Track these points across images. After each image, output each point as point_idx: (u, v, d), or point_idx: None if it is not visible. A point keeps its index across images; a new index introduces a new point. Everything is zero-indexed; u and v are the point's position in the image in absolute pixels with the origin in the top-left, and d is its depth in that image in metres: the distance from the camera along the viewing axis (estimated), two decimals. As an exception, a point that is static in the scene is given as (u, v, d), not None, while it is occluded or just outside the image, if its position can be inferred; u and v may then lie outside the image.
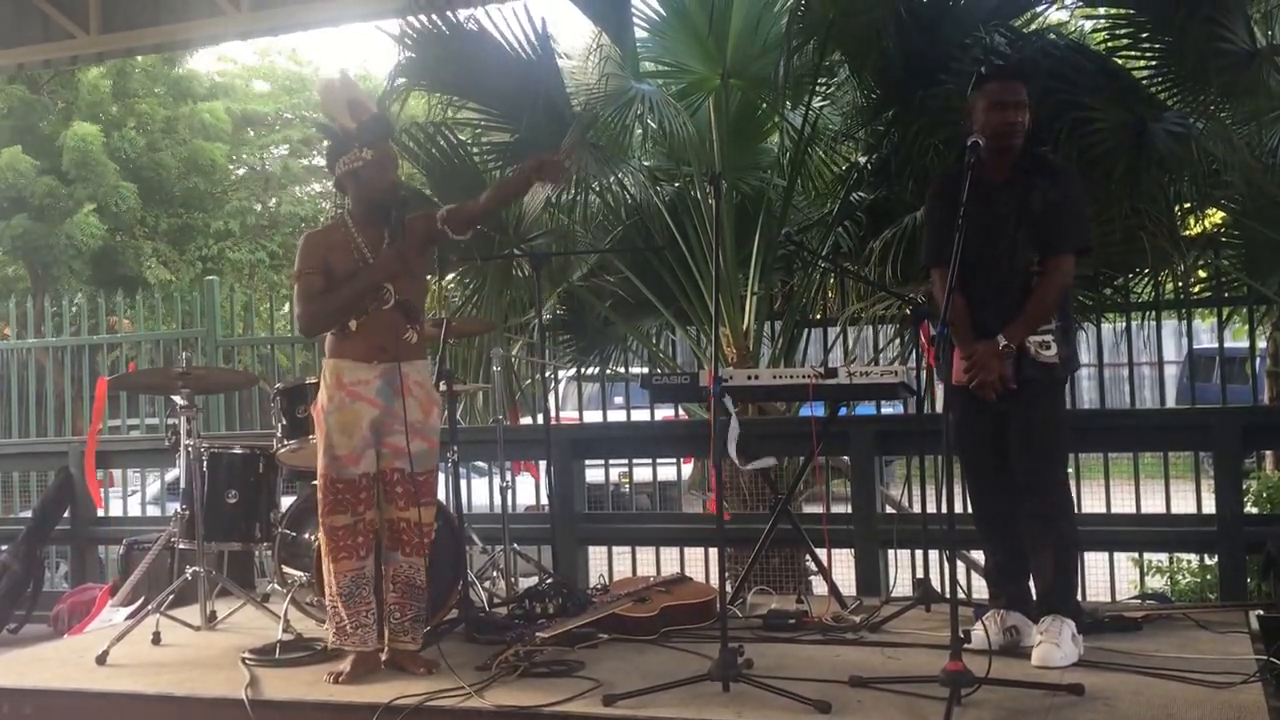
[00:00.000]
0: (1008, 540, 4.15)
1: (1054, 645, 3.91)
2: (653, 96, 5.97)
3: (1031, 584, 4.12)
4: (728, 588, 4.66)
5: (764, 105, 6.54)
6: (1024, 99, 4.05)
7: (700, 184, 6.16)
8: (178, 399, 5.22)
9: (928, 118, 5.58)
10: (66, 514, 7.02)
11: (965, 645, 3.65)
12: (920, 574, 5.25)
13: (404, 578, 4.21)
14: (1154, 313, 6.00)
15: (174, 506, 7.77)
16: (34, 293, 11.00)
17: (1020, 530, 4.11)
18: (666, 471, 7.45)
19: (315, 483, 5.19)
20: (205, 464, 5.07)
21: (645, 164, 6.52)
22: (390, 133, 4.37)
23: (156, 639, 4.84)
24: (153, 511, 7.87)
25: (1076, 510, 4.56)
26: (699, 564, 6.05)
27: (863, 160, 6.43)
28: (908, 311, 5.16)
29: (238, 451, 5.19)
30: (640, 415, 6.82)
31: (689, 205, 6.26)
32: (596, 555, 6.40)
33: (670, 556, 6.24)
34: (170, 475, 8.23)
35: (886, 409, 6.51)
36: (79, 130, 14.99)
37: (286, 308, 9.90)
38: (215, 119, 16.70)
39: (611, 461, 6.64)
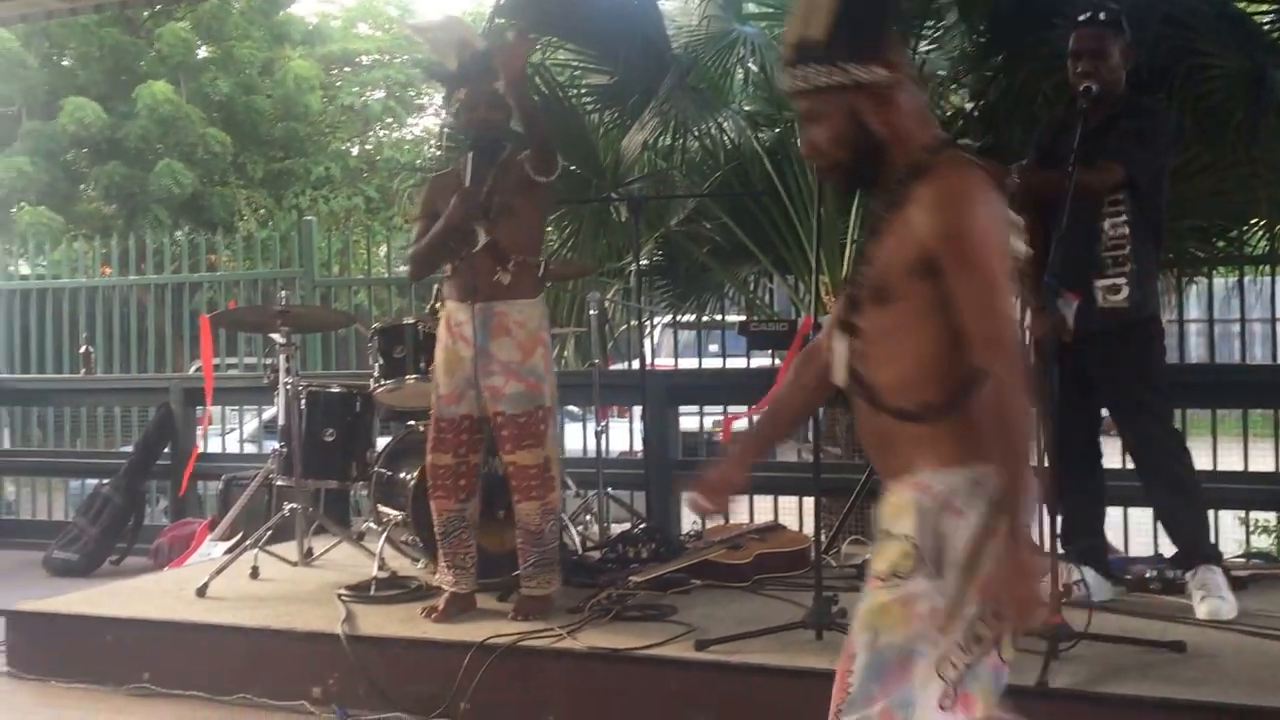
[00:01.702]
0: (1078, 494, 4.02)
1: (1219, 599, 3.82)
2: (755, 39, 5.85)
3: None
4: (822, 537, 4.62)
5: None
6: (1104, 48, 3.92)
7: (801, 129, 6.02)
8: (277, 337, 5.26)
9: (1038, 63, 5.38)
10: (167, 449, 7.13)
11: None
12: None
13: (521, 523, 4.15)
14: (1269, 266, 5.78)
15: (271, 444, 7.92)
16: (128, 233, 11.17)
17: (1093, 486, 4.03)
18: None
19: (410, 423, 5.28)
20: (304, 402, 5.11)
21: (745, 108, 6.40)
22: (487, 72, 4.29)
23: (255, 573, 4.93)
24: (250, 449, 8.00)
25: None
26: (792, 513, 5.99)
27: (969, 106, 6.24)
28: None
29: (335, 390, 5.23)
30: (736, 363, 6.75)
31: (789, 151, 6.13)
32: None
33: (764, 505, 6.18)
34: (268, 413, 8.37)
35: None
36: (153, 89, 15.10)
37: (384, 250, 9.97)
38: (301, 78, 16.73)
39: (706, 409, 6.58)
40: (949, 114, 6.44)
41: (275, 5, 16.89)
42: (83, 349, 7.79)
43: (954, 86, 6.46)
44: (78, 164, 15.70)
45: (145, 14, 15.13)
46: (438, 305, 4.93)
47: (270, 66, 16.70)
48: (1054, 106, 5.08)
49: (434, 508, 4.23)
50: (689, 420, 6.63)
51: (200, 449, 7.24)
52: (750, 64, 5.91)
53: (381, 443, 5.34)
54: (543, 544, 4.13)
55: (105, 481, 6.92)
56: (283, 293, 5.47)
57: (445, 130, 7.04)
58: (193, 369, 8.60)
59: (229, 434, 8.29)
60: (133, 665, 4.30)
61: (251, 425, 8.60)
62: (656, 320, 7.67)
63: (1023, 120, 5.50)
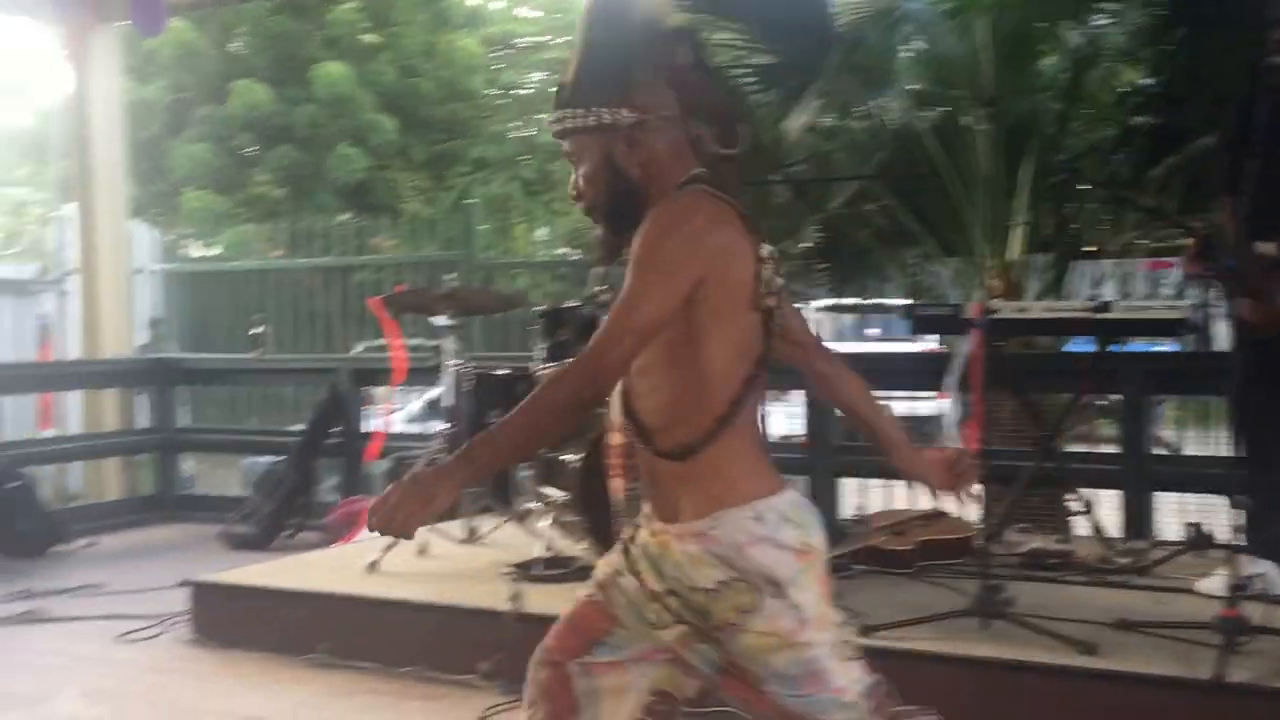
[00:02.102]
0: (1268, 487, 3.83)
1: None
2: (922, 16, 5.71)
3: None
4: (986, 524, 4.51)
5: (1043, 24, 6.17)
6: None
7: (969, 108, 5.87)
8: (442, 319, 5.35)
9: (1222, 38, 5.15)
10: (337, 428, 7.34)
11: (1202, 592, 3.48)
12: (1190, 519, 4.97)
13: None
14: None
15: (433, 424, 8.09)
16: (298, 213, 11.54)
17: None
18: (925, 405, 7.25)
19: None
20: (470, 384, 5.19)
21: (911, 86, 6.26)
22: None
23: (423, 550, 5.04)
24: (413, 429, 8.19)
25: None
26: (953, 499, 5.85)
27: (1147, 82, 6.01)
28: (1190, 242, 4.82)
29: (500, 373, 5.30)
30: (898, 347, 6.63)
31: (956, 130, 5.98)
32: (849, 487, 6.28)
33: (926, 491, 6.05)
34: (430, 394, 8.56)
35: (1160, 346, 6.13)
36: (328, 70, 15.51)
37: (541, 233, 10.10)
38: (468, 54, 17.00)
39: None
40: (1125, 91, 6.23)
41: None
42: (256, 330, 8.07)
43: (1130, 62, 6.22)
44: (247, 148, 16.21)
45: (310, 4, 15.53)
46: (602, 289, 4.96)
47: (433, 49, 16.96)
48: (1240, 83, 4.86)
49: (613, 487, 4.26)
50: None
51: (368, 429, 7.39)
52: (917, 41, 5.77)
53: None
54: None
55: (279, 459, 7.16)
56: (451, 276, 5.56)
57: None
58: (357, 349, 8.84)
59: (396, 413, 8.51)
60: (309, 636, 4.44)
61: (415, 405, 8.81)
62: (815, 303, 7.58)
63: (1204, 98, 5.28)
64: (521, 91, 19.06)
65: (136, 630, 4.86)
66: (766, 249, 2.04)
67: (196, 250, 14.03)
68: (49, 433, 9.01)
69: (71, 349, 9.25)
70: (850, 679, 2.05)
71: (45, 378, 8.30)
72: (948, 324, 4.92)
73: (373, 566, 4.76)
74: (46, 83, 15.29)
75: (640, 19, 2.12)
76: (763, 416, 2.13)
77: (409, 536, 1.93)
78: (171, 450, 7.91)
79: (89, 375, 7.74)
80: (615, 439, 4.22)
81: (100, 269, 7.71)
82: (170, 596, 5.18)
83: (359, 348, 8.83)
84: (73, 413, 9.18)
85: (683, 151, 2.07)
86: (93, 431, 7.98)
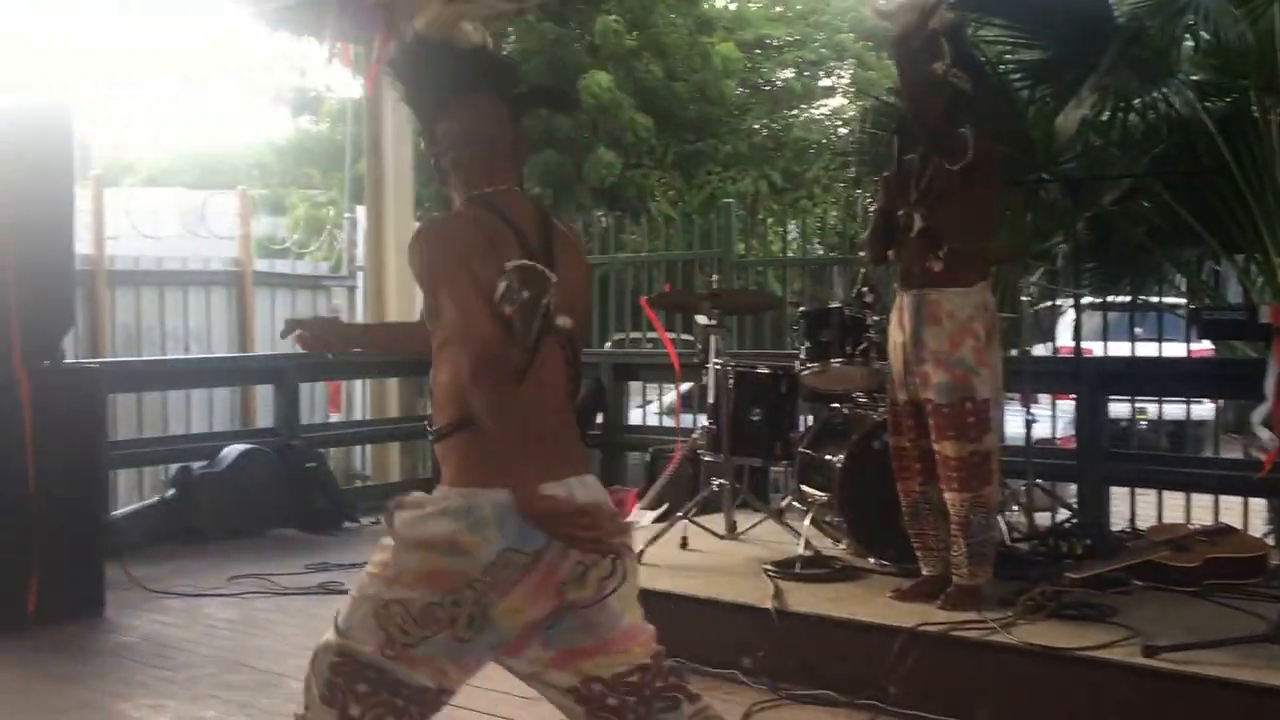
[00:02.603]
0: None
1: None
2: (1207, 4, 5.45)
3: None
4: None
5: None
6: None
7: (1260, 99, 5.57)
8: (703, 319, 5.48)
9: None
10: (599, 419, 7.60)
11: None
12: None
13: (949, 512, 4.12)
14: None
15: (687, 419, 8.25)
16: (556, 212, 11.91)
17: None
18: (1197, 411, 6.94)
19: (834, 405, 5.37)
20: (731, 382, 5.30)
21: (1194, 78, 5.99)
22: (924, 53, 4.22)
23: (684, 543, 5.18)
24: (667, 423, 8.39)
25: None
26: (1235, 516, 5.59)
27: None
28: None
29: (762, 371, 5.39)
30: (1173, 350, 6.35)
31: (1244, 123, 5.69)
32: (1118, 496, 6.08)
33: (1202, 504, 5.81)
34: (684, 388, 8.73)
35: None
36: (595, 80, 15.94)
37: (791, 231, 10.13)
38: (726, 58, 17.15)
39: (1137, 398, 6.26)
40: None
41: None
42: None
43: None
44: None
45: (578, 7, 16.02)
46: (864, 290, 4.99)
47: (689, 52, 17.21)
48: None
49: (900, 490, 4.30)
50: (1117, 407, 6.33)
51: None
52: (1201, 31, 5.52)
53: (801, 424, 5.47)
54: (970, 535, 4.07)
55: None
56: (713, 276, 5.69)
57: (872, 111, 7.07)
58: (608, 344, 9.10)
59: (647, 406, 8.73)
60: (577, 622, 4.64)
61: (669, 399, 9.00)
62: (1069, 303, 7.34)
63: None
64: (771, 89, 19.10)
65: (421, 606, 5.19)
66: (517, 264, 2.22)
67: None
68: (336, 417, 9.68)
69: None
70: (362, 627, 2.24)
71: (337, 367, 8.94)
72: (1240, 330, 4.67)
73: (638, 557, 4.92)
74: (339, 93, 16.43)
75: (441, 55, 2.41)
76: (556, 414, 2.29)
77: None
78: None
79: (375, 365, 8.28)
80: (898, 442, 4.26)
81: (387, 266, 8.23)
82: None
83: (608, 342, 9.12)
84: (358, 399, 9.86)
85: (472, 170, 2.36)
86: (378, 417, 8.54)
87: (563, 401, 2.34)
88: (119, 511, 6.65)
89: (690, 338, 9.34)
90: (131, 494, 8.05)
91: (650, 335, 9.23)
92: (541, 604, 2.26)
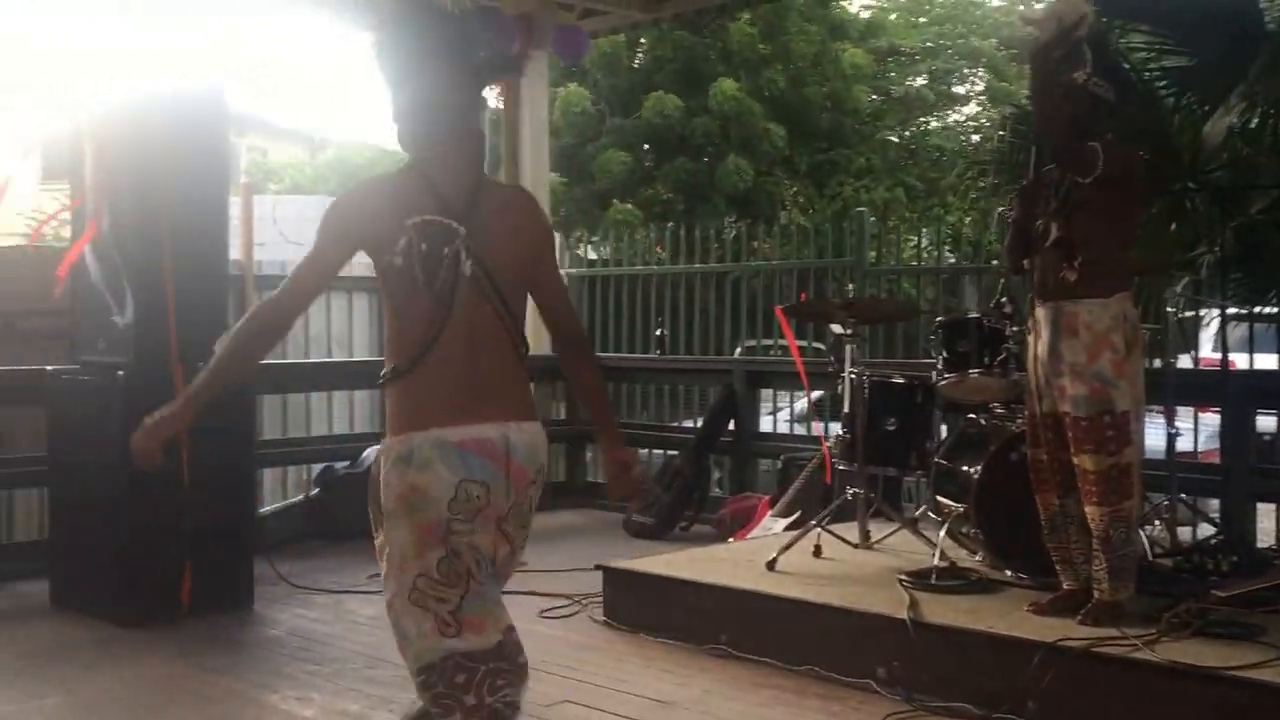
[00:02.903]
0: None
1: None
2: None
3: None
4: None
5: None
6: None
7: None
8: (837, 327, 5.48)
9: None
10: (730, 426, 7.63)
11: None
12: None
13: (1089, 526, 4.07)
14: None
15: (818, 426, 8.23)
16: (686, 219, 12.00)
17: None
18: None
19: (970, 416, 5.32)
20: (866, 391, 5.29)
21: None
22: (1065, 61, 4.16)
23: (817, 552, 5.18)
24: (798, 430, 8.39)
25: None
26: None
27: None
28: None
29: (898, 381, 5.37)
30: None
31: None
32: (1264, 513, 5.90)
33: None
34: (814, 396, 8.72)
35: None
36: (722, 87, 16.00)
37: (920, 240, 10.03)
38: (855, 65, 17.08)
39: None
40: None
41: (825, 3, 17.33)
42: (658, 332, 8.52)
43: None
44: (648, 159, 17.05)
45: (713, 16, 16.10)
46: (1002, 300, 4.94)
47: (821, 60, 17.18)
48: None
49: (1039, 502, 4.26)
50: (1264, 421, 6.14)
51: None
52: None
53: (936, 434, 5.43)
54: (1111, 549, 4.00)
55: (675, 453, 7.53)
56: (849, 286, 5.68)
57: (1011, 120, 6.98)
58: (737, 351, 9.12)
59: (778, 413, 8.74)
60: (711, 627, 4.68)
61: (799, 406, 8.99)
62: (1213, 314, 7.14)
63: None
64: (903, 97, 18.93)
65: (556, 608, 5.30)
66: (422, 219, 2.42)
67: (583, 253, 14.91)
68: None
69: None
70: (422, 634, 2.43)
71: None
72: None
73: (772, 564, 4.95)
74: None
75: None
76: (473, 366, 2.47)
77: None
78: (581, 441, 8.50)
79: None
80: (1036, 455, 4.21)
81: (521, 271, 8.39)
82: (582, 578, 5.62)
83: (737, 349, 9.14)
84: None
85: (417, 139, 2.56)
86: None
87: (500, 352, 2.51)
88: (266, 509, 6.89)
89: (820, 346, 9.34)
90: (275, 492, 8.32)
91: (781, 342, 9.24)
92: (493, 537, 2.48)
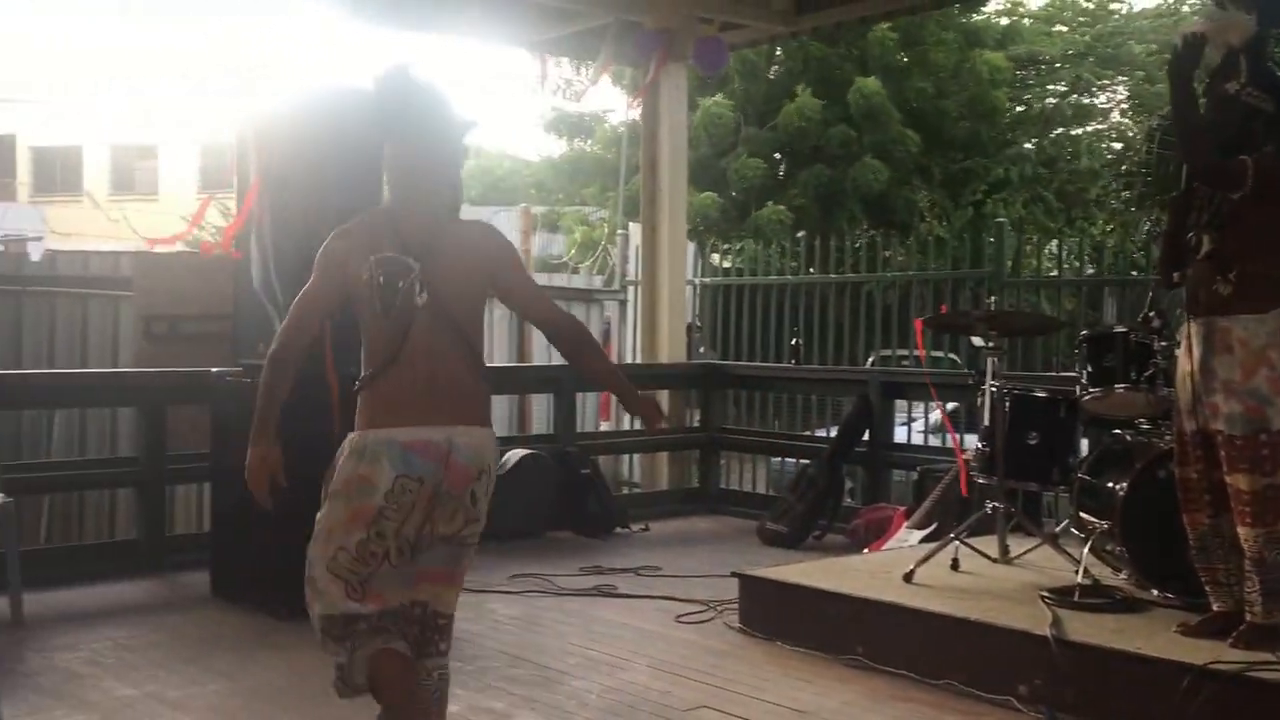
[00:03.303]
0: None
1: None
2: None
3: None
4: None
5: None
6: None
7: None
8: (978, 340, 5.44)
9: None
10: (864, 436, 7.60)
11: None
12: None
13: (1241, 546, 3.98)
14: None
15: (952, 438, 8.13)
16: (823, 230, 11.99)
17: None
18: None
19: (1116, 431, 5.23)
20: (1008, 404, 5.24)
21: None
22: (1220, 73, 4.09)
23: (955, 565, 5.15)
24: (932, 441, 8.32)
25: None
26: None
27: None
28: None
29: (1040, 395, 5.31)
30: None
31: None
32: None
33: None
34: (949, 407, 8.62)
35: None
36: (863, 85, 15.92)
37: (1054, 248, 9.83)
38: (994, 69, 16.82)
39: None
40: None
41: (964, 13, 17.09)
42: (794, 341, 8.54)
43: None
44: (782, 166, 17.05)
45: (851, 28, 16.06)
46: (1150, 314, 4.86)
47: (959, 69, 16.98)
48: None
49: (1186, 522, 4.19)
50: None
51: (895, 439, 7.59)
52: None
53: (1082, 449, 5.35)
54: (1266, 571, 3.90)
55: (809, 462, 7.54)
56: (990, 298, 5.63)
57: (1159, 130, 6.84)
58: (869, 361, 9.08)
59: (912, 424, 8.67)
60: (847, 637, 4.69)
61: (934, 418, 8.90)
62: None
63: None
64: (1042, 106, 18.58)
65: (692, 613, 5.36)
66: (382, 256, 2.93)
67: (715, 261, 14.99)
68: (605, 425, 10.02)
69: (627, 352, 10.22)
70: (330, 593, 2.96)
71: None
72: None
73: (909, 577, 4.94)
74: (615, 116, 17.01)
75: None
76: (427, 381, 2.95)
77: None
78: (714, 448, 8.56)
79: (647, 376, 8.53)
80: (1185, 474, 4.13)
81: (659, 281, 8.50)
82: (718, 584, 5.68)
83: (869, 359, 9.10)
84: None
85: (395, 190, 3.10)
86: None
87: (455, 368, 2.99)
88: (410, 509, 7.09)
89: (956, 358, 9.24)
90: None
91: (915, 353, 9.17)
92: (419, 523, 2.95)
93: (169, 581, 5.96)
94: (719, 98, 16.40)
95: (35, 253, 10.04)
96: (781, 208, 15.91)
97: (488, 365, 3.20)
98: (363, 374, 3.01)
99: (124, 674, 4.48)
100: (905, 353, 9.25)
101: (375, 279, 2.92)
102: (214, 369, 5.75)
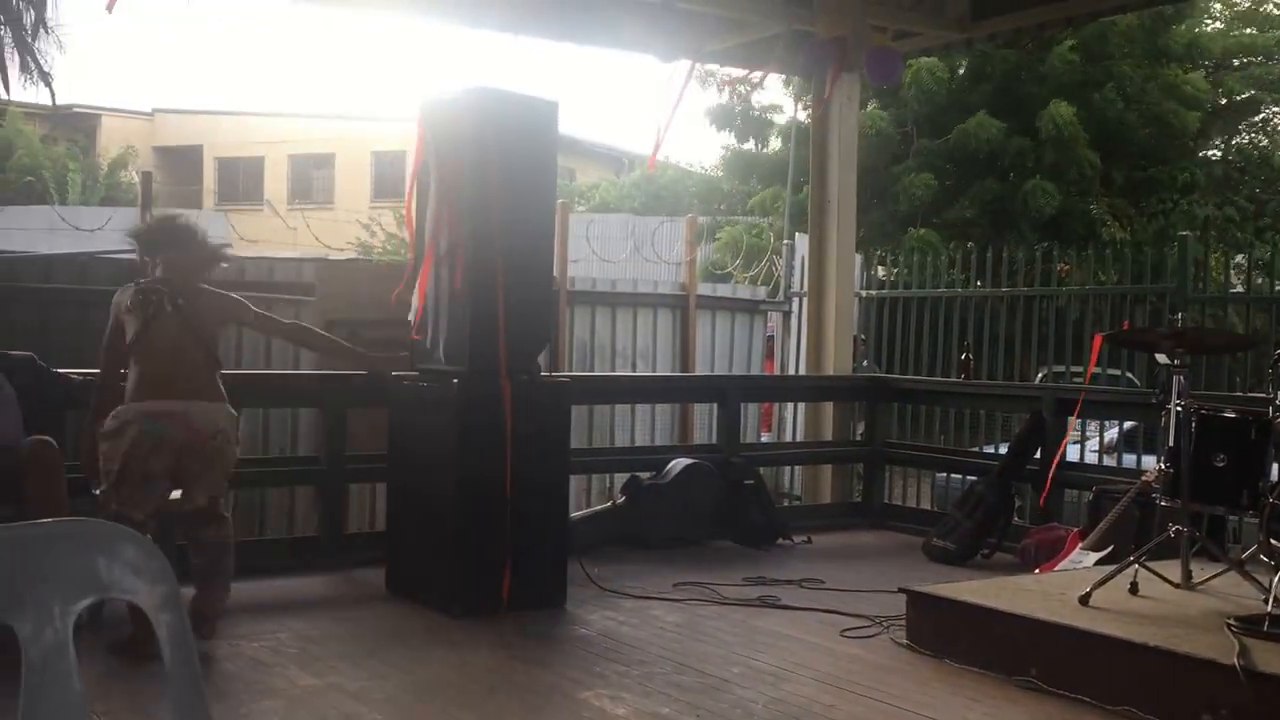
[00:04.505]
0: None
1: None
2: None
3: None
4: None
5: None
6: None
7: None
8: (1163, 358, 5.24)
9: None
10: (1037, 454, 7.41)
11: None
12: None
13: None
14: None
15: (1129, 458, 7.88)
16: (990, 242, 11.72)
17: None
18: None
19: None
20: (1194, 425, 5.04)
21: None
22: None
23: (1134, 589, 4.96)
24: (1107, 461, 8.05)
25: None
26: None
27: None
28: None
29: (1229, 415, 5.09)
30: None
31: None
32: None
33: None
34: (1126, 426, 8.34)
35: None
36: (1056, 111, 15.37)
37: (1240, 260, 9.41)
38: (1195, 90, 16.15)
39: None
40: None
41: (1162, 22, 16.47)
42: (964, 356, 8.38)
43: None
44: (951, 178, 16.71)
45: (1031, 35, 15.65)
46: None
47: (1148, 87, 16.35)
48: None
49: None
50: None
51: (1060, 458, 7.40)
52: None
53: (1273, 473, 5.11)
54: None
55: (979, 479, 7.38)
56: (1178, 315, 5.43)
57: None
58: (1039, 377, 8.83)
59: (1086, 443, 8.41)
60: (1019, 659, 4.57)
61: (1109, 435, 8.63)
62: None
63: None
64: (1230, 106, 17.78)
65: (857, 628, 5.31)
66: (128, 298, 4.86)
67: (878, 273, 14.78)
68: (766, 437, 10.00)
69: (790, 363, 10.20)
70: (108, 494, 4.73)
71: (777, 389, 9.27)
72: None
73: (1085, 599, 4.80)
74: (783, 124, 16.94)
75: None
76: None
77: None
78: (879, 462, 8.46)
79: (813, 388, 8.50)
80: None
81: (827, 293, 8.45)
82: (882, 599, 5.61)
83: (1038, 375, 8.85)
84: (788, 420, 10.12)
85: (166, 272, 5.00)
86: (812, 440, 8.76)
87: (195, 361, 4.83)
88: (576, 514, 7.20)
89: (1133, 377, 8.93)
90: (577, 499, 8.67)
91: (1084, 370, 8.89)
92: (167, 462, 4.73)
93: (346, 577, 6.17)
94: (872, 107, 16.16)
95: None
96: (923, 231, 15.57)
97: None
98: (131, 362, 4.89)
99: (306, 664, 4.66)
100: (1079, 369, 8.99)
101: (136, 297, 4.86)
102: (392, 373, 5.93)
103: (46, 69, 8.25)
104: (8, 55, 7.36)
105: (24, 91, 8.40)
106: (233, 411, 4.97)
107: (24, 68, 8.13)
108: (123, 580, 2.39)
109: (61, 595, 2.32)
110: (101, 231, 7.59)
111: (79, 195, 25.29)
